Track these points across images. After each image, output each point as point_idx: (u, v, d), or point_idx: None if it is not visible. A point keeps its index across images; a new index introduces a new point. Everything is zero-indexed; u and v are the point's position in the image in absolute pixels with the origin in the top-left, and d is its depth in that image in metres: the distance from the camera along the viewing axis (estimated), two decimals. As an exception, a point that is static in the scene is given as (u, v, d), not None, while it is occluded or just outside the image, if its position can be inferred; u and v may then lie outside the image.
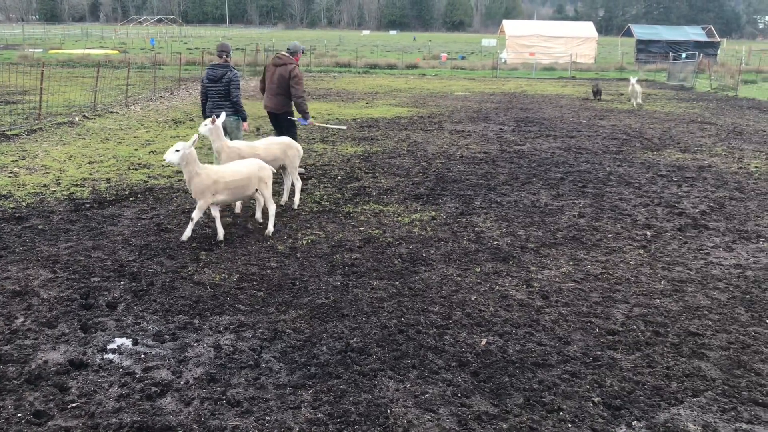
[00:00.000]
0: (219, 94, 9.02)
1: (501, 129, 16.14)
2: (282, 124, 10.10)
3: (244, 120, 9.25)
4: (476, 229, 7.85)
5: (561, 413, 4.05)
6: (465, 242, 7.34)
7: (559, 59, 43.28)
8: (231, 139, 9.30)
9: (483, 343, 4.93)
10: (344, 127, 13.60)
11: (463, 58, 48.98)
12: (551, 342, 5.00)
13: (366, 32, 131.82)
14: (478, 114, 18.89)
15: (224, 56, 9.09)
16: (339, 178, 10.42)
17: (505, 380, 4.41)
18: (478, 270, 6.48)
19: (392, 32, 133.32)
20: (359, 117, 17.62)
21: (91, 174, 10.15)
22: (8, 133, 13.32)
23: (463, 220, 8.22)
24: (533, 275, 6.38)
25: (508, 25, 50.05)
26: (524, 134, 15.37)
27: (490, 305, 5.64)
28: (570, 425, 3.94)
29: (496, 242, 7.36)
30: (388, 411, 4.00)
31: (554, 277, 6.34)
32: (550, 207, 8.93)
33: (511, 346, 4.91)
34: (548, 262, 6.79)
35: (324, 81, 29.70)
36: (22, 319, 5.08)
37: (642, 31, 48.80)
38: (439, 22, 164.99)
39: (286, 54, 10.06)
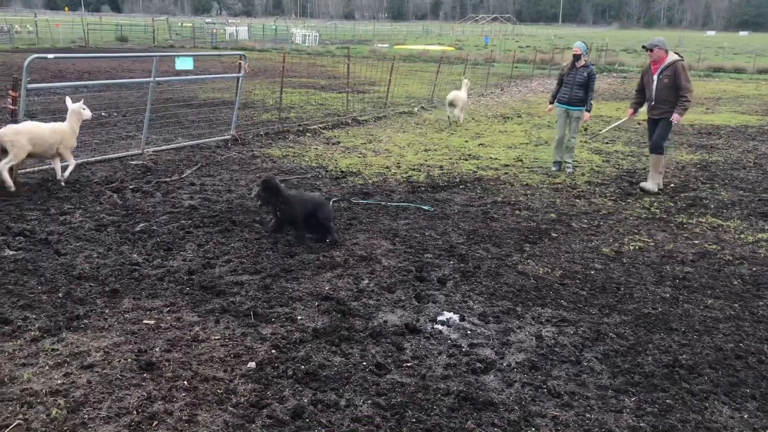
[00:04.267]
0: None
1: None
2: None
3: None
4: (840, 258, 6.76)
5: None
6: (824, 272, 6.37)
7: None
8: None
9: (844, 388, 4.25)
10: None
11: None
12: None
13: (711, 33, 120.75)
14: None
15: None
16: (672, 185, 9.76)
17: None
18: (841, 305, 5.58)
19: (742, 33, 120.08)
20: (697, 123, 16.28)
21: (426, 160, 10.95)
22: (359, 118, 15.03)
23: (823, 246, 7.13)
24: None
25: None
26: None
27: None
28: None
29: None
30: (721, 438, 3.68)
31: None
32: None
33: None
34: None
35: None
36: (366, 281, 5.72)
37: None
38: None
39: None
